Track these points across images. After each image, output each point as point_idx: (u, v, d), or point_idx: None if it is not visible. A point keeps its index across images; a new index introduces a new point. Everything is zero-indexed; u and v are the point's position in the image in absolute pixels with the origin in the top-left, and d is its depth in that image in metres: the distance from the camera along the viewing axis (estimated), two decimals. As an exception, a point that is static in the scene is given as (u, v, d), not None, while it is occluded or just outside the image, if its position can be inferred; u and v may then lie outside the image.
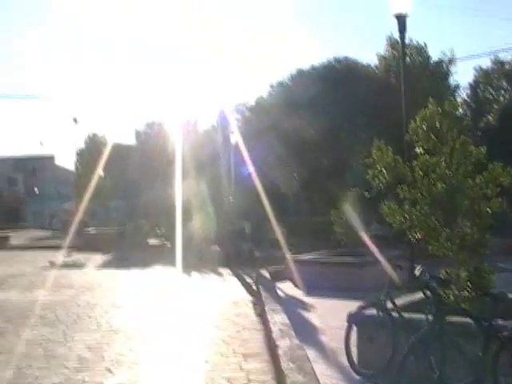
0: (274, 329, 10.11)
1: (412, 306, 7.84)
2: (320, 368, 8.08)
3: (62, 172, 68.75)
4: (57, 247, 30.02)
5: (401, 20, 13.12)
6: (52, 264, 25.02)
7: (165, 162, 22.54)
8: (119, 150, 49.21)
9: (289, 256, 18.40)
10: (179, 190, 19.09)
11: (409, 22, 13.38)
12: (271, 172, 32.28)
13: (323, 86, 32.21)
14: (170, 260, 21.27)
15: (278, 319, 10.96)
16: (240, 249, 25.52)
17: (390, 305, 7.71)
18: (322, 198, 27.18)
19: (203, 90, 36.35)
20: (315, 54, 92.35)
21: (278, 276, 17.61)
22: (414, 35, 36.70)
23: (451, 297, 8.15)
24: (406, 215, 9.19)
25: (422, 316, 7.01)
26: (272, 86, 39.18)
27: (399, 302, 8.04)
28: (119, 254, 29.34)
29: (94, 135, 55.15)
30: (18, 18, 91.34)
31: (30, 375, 8.50)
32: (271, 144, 32.59)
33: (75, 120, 58.12)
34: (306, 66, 38.02)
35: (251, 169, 29.68)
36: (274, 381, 7.94)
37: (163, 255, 20.21)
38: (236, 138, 29.57)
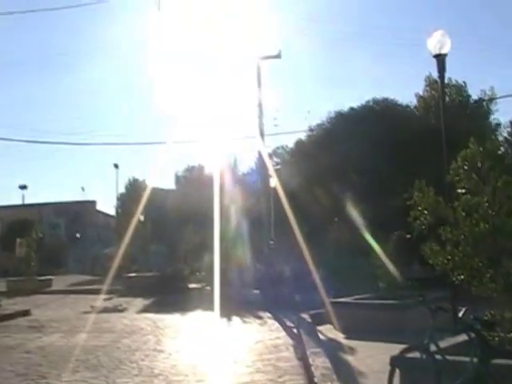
0: (316, 373, 10.01)
1: (456, 349, 7.68)
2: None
3: (103, 217, 69.53)
4: (98, 292, 30.18)
5: (440, 60, 13.11)
6: (93, 308, 25.16)
7: (204, 206, 22.68)
8: (159, 195, 49.65)
9: (329, 299, 18.25)
10: (218, 234, 19.13)
11: (448, 61, 13.35)
12: (311, 215, 32.20)
13: (362, 128, 32.24)
14: (209, 304, 21.22)
15: (319, 363, 10.85)
16: (280, 292, 25.37)
17: (433, 348, 7.57)
18: (363, 240, 26.91)
19: (243, 133, 36.59)
20: (354, 97, 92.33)
21: (319, 319, 17.44)
22: (453, 74, 36.62)
23: (496, 339, 7.99)
24: (449, 256, 9.10)
25: (466, 359, 6.87)
26: (311, 129, 39.31)
27: (443, 344, 7.89)
28: (159, 298, 29.39)
29: (135, 180, 55.85)
30: (54, 65, 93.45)
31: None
32: (311, 187, 32.59)
33: (116, 165, 59.06)
34: (344, 108, 38.10)
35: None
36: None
37: (203, 299, 20.21)
38: (275, 181, 29.61)
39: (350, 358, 12.05)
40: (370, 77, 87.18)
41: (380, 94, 38.72)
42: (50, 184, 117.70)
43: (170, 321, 20.83)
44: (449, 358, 7.33)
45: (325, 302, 18.45)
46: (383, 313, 15.67)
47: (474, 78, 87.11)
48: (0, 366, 12.82)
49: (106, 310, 24.95)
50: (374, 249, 20.09)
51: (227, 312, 21.46)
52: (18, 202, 72.03)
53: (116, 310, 25.37)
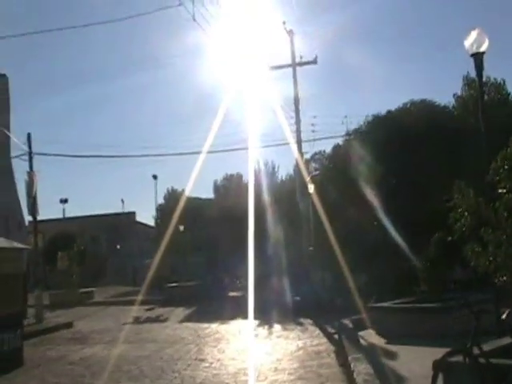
0: (358, 379, 9.91)
1: (500, 352, 7.53)
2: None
3: (143, 228, 69.95)
4: (139, 302, 30.36)
5: (477, 58, 12.91)
6: (135, 319, 25.32)
7: (243, 214, 22.67)
8: (198, 204, 49.83)
9: (370, 304, 18.08)
10: (253, 242, 19.09)
11: (486, 59, 13.15)
12: (350, 219, 32.00)
13: (399, 130, 31.95)
14: (251, 312, 21.18)
15: (361, 369, 10.74)
16: (321, 298, 25.25)
17: (476, 351, 7.42)
18: (403, 243, 26.66)
19: (281, 139, 36.48)
20: (392, 100, 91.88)
21: (360, 325, 17.27)
22: (491, 72, 36.15)
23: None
24: (491, 257, 8.94)
25: (510, 362, 6.71)
26: (348, 134, 39.09)
27: (487, 347, 7.73)
28: (200, 307, 29.46)
29: (173, 190, 56.17)
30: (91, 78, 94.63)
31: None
32: (349, 192, 32.39)
33: (155, 176, 59.43)
34: (382, 111, 37.82)
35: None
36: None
37: (243, 307, 20.14)
38: (313, 187, 29.49)
39: (391, 363, 11.87)
40: (408, 79, 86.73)
41: (418, 96, 38.39)
42: (90, 197, 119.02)
43: (211, 330, 20.85)
44: (492, 360, 7.17)
45: (366, 307, 18.29)
46: (425, 317, 15.41)
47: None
48: (45, 378, 12.97)
49: (147, 320, 25.11)
50: (415, 252, 19.89)
51: (268, 319, 21.42)
52: (59, 215, 72.98)
53: (157, 320, 25.50)
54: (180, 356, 15.18)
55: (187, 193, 43.52)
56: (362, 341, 14.99)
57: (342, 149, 38.28)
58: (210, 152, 33.68)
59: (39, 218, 29.26)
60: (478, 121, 12.87)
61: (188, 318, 25.64)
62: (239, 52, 29.99)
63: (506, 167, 9.11)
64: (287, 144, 31.18)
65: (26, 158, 30.06)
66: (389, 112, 37.30)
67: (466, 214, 9.38)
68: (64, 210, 73.16)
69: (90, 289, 40.88)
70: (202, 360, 14.43)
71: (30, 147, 30.14)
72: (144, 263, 38.88)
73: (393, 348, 13.56)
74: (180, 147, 65.99)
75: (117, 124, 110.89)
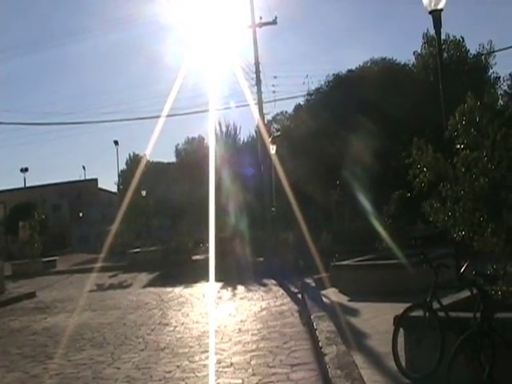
0: (321, 337, 9.95)
1: (459, 305, 7.59)
2: (368, 374, 7.85)
3: (106, 195, 69.51)
4: (102, 269, 30.22)
5: (435, 15, 12.81)
6: (98, 286, 25.21)
7: (205, 177, 22.57)
8: (160, 168, 49.57)
9: (332, 263, 18.19)
10: (214, 204, 19.01)
11: (444, 17, 13.06)
12: (311, 180, 32.10)
13: (360, 89, 31.96)
14: (214, 275, 21.16)
15: (323, 327, 10.80)
16: (284, 259, 25.36)
17: (436, 305, 7.47)
18: (364, 202, 26.85)
19: (242, 101, 36.30)
20: (352, 59, 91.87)
21: (323, 284, 17.40)
22: (450, 30, 36.24)
23: (499, 293, 7.88)
24: (449, 213, 8.97)
25: (469, 314, 6.76)
26: (309, 94, 38.99)
27: (446, 301, 7.80)
28: (164, 271, 29.44)
29: (135, 155, 55.73)
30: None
31: (79, 398, 8.49)
32: (311, 152, 32.42)
33: (116, 142, 58.85)
34: (343, 70, 37.78)
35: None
36: (322, 390, 7.76)
37: (207, 271, 20.12)
38: (275, 148, 29.40)
39: (354, 321, 11.98)
40: (369, 37, 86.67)
41: (379, 55, 38.42)
42: (51, 165, 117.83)
43: (175, 294, 20.84)
44: (452, 314, 7.23)
45: (328, 266, 18.41)
46: (386, 273, 15.59)
47: (472, 32, 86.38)
48: (7, 350, 12.81)
49: (110, 287, 25.01)
50: (377, 210, 20.02)
51: (231, 281, 21.47)
52: (20, 185, 72.12)
53: (121, 286, 25.41)
54: (143, 321, 15.13)
55: (149, 157, 43.24)
56: (324, 299, 15.09)
57: (303, 109, 38.27)
58: (169, 115, 33.39)
59: (-1, 187, 28.84)
60: (438, 78, 12.83)
61: (151, 283, 25.61)
62: (200, 13, 29.64)
63: (464, 123, 9.09)
64: (248, 105, 31.00)
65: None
66: (349, 71, 37.34)
67: (425, 170, 9.37)
68: (25, 179, 72.38)
69: (52, 258, 40.52)
70: (166, 324, 14.40)
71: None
72: (107, 230, 38.60)
73: (355, 305, 13.70)
74: (141, 112, 65.50)
75: (76, 90, 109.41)
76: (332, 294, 15.81)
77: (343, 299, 14.94)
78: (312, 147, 32.39)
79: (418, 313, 7.59)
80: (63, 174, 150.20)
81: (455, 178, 9.20)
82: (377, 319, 11.61)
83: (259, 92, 29.52)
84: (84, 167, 75.65)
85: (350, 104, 31.77)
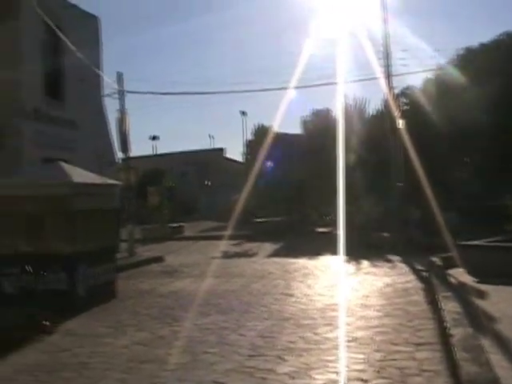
0: (447, 317, 9.75)
1: None
2: (496, 359, 7.55)
3: (232, 164, 70.43)
4: (227, 237, 30.77)
5: None
6: (223, 254, 25.70)
7: (331, 150, 22.46)
8: (286, 140, 49.66)
9: (460, 242, 17.70)
10: (343, 178, 18.85)
11: None
12: (441, 156, 31.28)
13: (492, 64, 30.78)
14: (338, 248, 21.11)
15: (450, 307, 10.57)
16: (410, 235, 24.95)
17: None
18: (495, 181, 25.97)
19: (369, 74, 35.70)
20: (482, 32, 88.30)
21: (450, 263, 16.97)
22: None
23: None
24: None
25: None
26: (439, 68, 37.90)
27: None
28: (288, 242, 29.64)
29: (262, 126, 56.05)
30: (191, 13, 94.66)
31: (205, 361, 8.72)
32: (441, 127, 31.58)
33: (243, 113, 59.47)
34: (473, 43, 36.44)
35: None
36: (447, 371, 7.59)
37: (331, 243, 20.11)
38: (403, 122, 28.81)
39: (481, 303, 11.61)
40: (503, 8, 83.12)
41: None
42: (180, 134, 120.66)
43: (299, 265, 20.97)
44: None
45: (456, 244, 17.92)
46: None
47: None
48: (136, 310, 13.35)
49: (235, 255, 25.47)
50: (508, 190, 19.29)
51: (356, 256, 21.36)
52: (149, 152, 74.37)
53: (245, 254, 25.82)
54: (267, 290, 15.34)
55: (275, 128, 43.34)
56: (451, 279, 14.76)
57: (433, 83, 37.25)
58: (297, 87, 33.29)
59: (130, 155, 29.82)
60: None
61: (275, 253, 25.85)
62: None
63: None
64: (376, 79, 30.48)
65: (117, 96, 30.50)
66: (482, 45, 35.94)
67: None
68: (155, 146, 74.52)
69: (180, 224, 41.67)
70: (290, 295, 14.53)
71: (121, 86, 30.54)
72: (232, 199, 39.19)
73: (483, 287, 13.24)
74: (269, 83, 65.80)
75: (203, 61, 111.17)
76: (459, 275, 15.38)
77: (471, 280, 14.51)
78: (440, 122, 31.52)
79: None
80: (191, 142, 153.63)
81: None
82: (506, 303, 11.24)
83: (388, 65, 28.95)
84: (212, 136, 77.09)
85: (483, 78, 30.65)
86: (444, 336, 9.06)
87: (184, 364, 8.62)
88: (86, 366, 8.83)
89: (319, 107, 50.86)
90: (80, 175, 14.74)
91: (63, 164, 14.87)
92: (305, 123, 51.24)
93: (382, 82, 29.09)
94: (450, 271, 15.98)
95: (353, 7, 31.25)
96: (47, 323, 11.04)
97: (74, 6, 25.90)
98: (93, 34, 27.50)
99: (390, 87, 29.26)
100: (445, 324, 9.38)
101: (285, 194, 42.43)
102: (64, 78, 25.28)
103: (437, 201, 22.42)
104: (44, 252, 13.34)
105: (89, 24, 27.10)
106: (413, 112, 33.74)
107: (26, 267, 11.59)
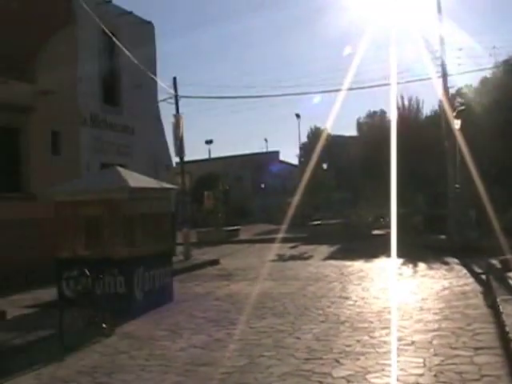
0: (508, 321, 9.56)
1: None
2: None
3: (287, 167, 70.43)
4: (283, 240, 30.78)
5: None
6: (278, 256, 25.73)
7: (386, 151, 22.29)
8: (341, 142, 49.53)
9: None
10: (396, 180, 18.60)
11: None
12: (500, 156, 30.75)
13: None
14: (394, 250, 20.90)
15: (510, 311, 10.36)
16: (467, 237, 24.59)
17: None
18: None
19: (424, 75, 35.27)
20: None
21: (509, 265, 16.66)
22: None
23: None
24: None
25: None
26: (497, 66, 37.25)
27: None
28: (344, 245, 29.50)
29: (316, 128, 56.03)
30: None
31: (262, 364, 8.74)
32: (497, 127, 31.05)
33: (298, 115, 59.37)
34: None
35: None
36: (508, 377, 7.46)
37: (387, 246, 19.93)
38: (459, 122, 28.37)
39: (544, 306, 11.37)
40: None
41: None
42: (235, 137, 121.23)
43: (355, 268, 20.85)
44: None
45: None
46: None
47: None
48: (193, 313, 13.45)
49: (291, 258, 25.47)
50: None
51: (412, 258, 21.16)
52: (204, 156, 74.86)
53: (301, 257, 25.81)
54: (323, 293, 15.30)
55: (330, 131, 43.30)
56: (511, 282, 14.48)
57: (490, 82, 36.63)
58: (350, 89, 33.10)
59: (185, 159, 30.14)
60: None
61: (331, 256, 25.77)
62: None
63: None
64: (430, 79, 30.11)
65: (172, 101, 30.89)
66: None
67: None
68: (210, 150, 75.02)
69: (235, 227, 41.86)
70: (346, 298, 14.47)
71: (176, 90, 30.91)
72: (287, 202, 39.22)
73: (545, 290, 12.97)
74: (323, 85, 65.41)
75: (255, 65, 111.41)
76: (518, 277, 15.10)
77: (531, 283, 14.23)
78: (498, 123, 30.97)
79: None
80: (246, 146, 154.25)
81: None
82: None
83: (443, 64, 28.56)
84: (266, 139, 77.19)
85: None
86: (505, 340, 8.89)
87: (240, 367, 8.66)
88: (144, 368, 8.94)
89: (375, 109, 50.63)
90: (136, 180, 14.93)
91: (120, 169, 15.07)
92: (360, 125, 51.02)
93: (436, 81, 28.71)
94: (510, 274, 15.67)
95: (407, 7, 30.89)
96: (105, 326, 11.21)
97: (130, 13, 26.24)
98: (148, 40, 27.82)
99: (446, 87, 28.85)
100: (505, 328, 9.20)
101: (341, 196, 42.33)
102: (120, 83, 25.64)
103: (495, 202, 22.03)
104: (102, 256, 13.54)
105: (144, 30, 27.44)
106: (469, 112, 33.24)
107: (85, 270, 11.76)
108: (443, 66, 28.47)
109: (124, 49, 23.54)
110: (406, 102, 44.91)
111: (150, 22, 28.30)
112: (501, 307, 10.76)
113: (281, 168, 37.37)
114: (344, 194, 45.49)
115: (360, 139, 48.16)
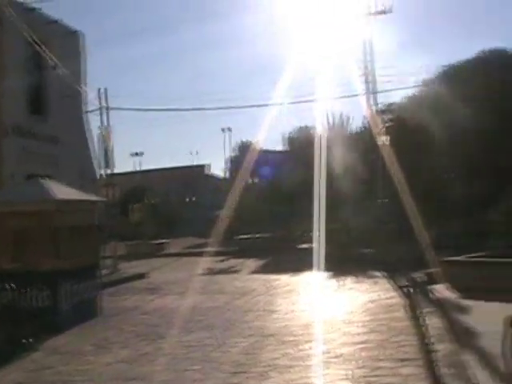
0: (430, 333, 9.79)
1: None
2: (479, 375, 7.59)
3: (215, 180, 70.40)
4: (210, 254, 30.72)
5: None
6: (206, 270, 25.65)
7: (312, 166, 22.59)
8: (270, 156, 49.76)
9: (443, 257, 17.76)
10: (323, 195, 18.85)
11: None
12: (426, 172, 31.43)
13: (475, 80, 31.00)
14: (320, 264, 21.11)
15: (433, 323, 10.63)
16: (393, 251, 25.01)
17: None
18: (479, 197, 26.07)
19: (353, 91, 35.89)
20: (461, 50, 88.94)
21: (433, 279, 17.03)
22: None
23: None
24: None
25: None
26: (421, 85, 38.15)
27: None
28: (271, 259, 29.61)
29: (244, 143, 56.21)
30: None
31: (188, 378, 8.71)
32: (422, 143, 31.76)
33: (224, 129, 59.62)
34: (453, 61, 36.71)
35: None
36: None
37: (315, 260, 20.14)
38: (387, 138, 28.98)
39: (464, 318, 11.66)
40: (483, 27, 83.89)
41: (495, 45, 37.03)
42: (163, 150, 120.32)
43: (282, 281, 20.96)
44: None
45: (438, 260, 17.98)
46: (500, 271, 15.07)
47: None
48: (121, 327, 13.32)
49: (218, 272, 25.41)
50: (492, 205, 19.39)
51: (338, 272, 21.39)
52: (130, 169, 74.16)
53: (229, 271, 25.80)
54: (250, 307, 15.34)
55: (259, 145, 43.45)
56: (434, 295, 14.81)
57: (417, 99, 37.50)
58: (277, 104, 33.41)
59: (114, 171, 29.84)
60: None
61: (259, 270, 25.85)
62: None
63: None
64: (357, 95, 30.70)
65: (98, 112, 30.43)
66: (466, 61, 36.19)
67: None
68: (139, 162, 74.40)
69: (163, 240, 41.57)
70: (273, 311, 14.54)
71: (105, 102, 30.45)
72: (215, 215, 39.19)
73: (466, 303, 13.30)
74: (252, 100, 65.80)
75: (185, 77, 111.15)
76: (442, 290, 15.44)
77: (453, 296, 14.57)
78: (421, 138, 31.69)
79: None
80: (174, 158, 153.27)
81: None
82: (489, 318, 11.25)
83: (370, 82, 29.18)
84: (192, 152, 77.00)
85: (465, 95, 30.86)
86: (427, 352, 9.09)
87: (168, 382, 8.60)
88: None
89: (302, 124, 51.02)
90: (63, 192, 14.69)
91: (46, 180, 14.82)
92: (288, 140, 51.38)
93: (364, 98, 29.28)
94: (433, 287, 16.03)
95: (336, 21, 31.45)
96: (30, 341, 10.97)
97: (56, 22, 25.84)
98: (75, 49, 27.45)
99: (371, 104, 29.43)
100: (428, 340, 9.42)
101: (269, 211, 42.50)
102: (46, 93, 25.25)
103: (424, 215, 22.47)
104: (27, 268, 13.27)
105: (71, 39, 27.08)
106: (397, 128, 33.91)
107: (8, 284, 11.49)
108: (368, 83, 29.07)
109: (49, 58, 23.16)
110: (333, 118, 45.52)
111: (77, 31, 27.93)
112: (424, 319, 11.00)
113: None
114: (277, 208, 45.68)
115: (287, 154, 48.55)
